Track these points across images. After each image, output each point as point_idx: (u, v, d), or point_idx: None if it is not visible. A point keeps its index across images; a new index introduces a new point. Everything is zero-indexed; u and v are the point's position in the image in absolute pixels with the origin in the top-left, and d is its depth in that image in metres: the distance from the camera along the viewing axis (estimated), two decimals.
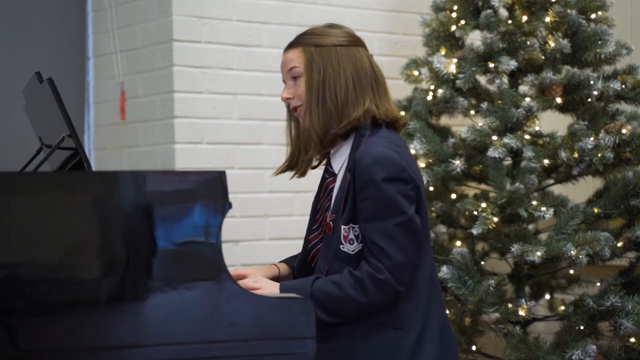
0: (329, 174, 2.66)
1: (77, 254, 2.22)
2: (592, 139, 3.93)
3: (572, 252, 3.76)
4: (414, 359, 2.51)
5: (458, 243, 4.16)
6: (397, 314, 2.51)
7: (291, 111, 2.67)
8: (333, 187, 2.62)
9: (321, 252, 2.59)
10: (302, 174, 2.70)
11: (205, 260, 2.28)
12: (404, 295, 2.50)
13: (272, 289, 2.53)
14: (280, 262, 2.78)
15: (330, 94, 2.56)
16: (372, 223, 2.47)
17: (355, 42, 2.63)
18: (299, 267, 2.72)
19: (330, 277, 2.50)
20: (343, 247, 2.53)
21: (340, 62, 2.58)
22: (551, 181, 4.27)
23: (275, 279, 2.70)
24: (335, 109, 2.56)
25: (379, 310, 2.50)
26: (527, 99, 4.08)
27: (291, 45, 2.64)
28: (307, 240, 2.69)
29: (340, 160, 2.62)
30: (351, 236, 2.53)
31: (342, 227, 2.53)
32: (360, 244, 2.51)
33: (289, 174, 2.71)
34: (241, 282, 2.46)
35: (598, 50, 4.08)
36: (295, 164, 2.68)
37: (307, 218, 2.73)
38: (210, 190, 2.28)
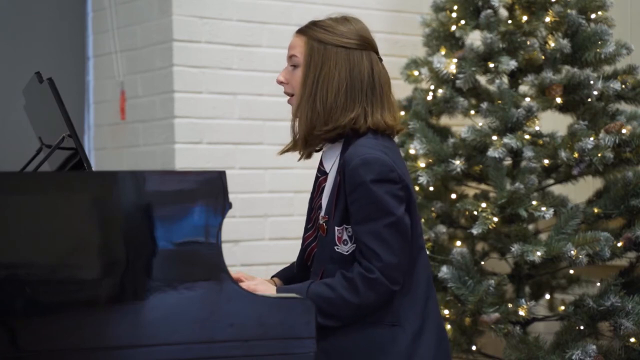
0: (321, 173, 2.67)
1: (77, 254, 2.22)
2: (592, 139, 3.92)
3: (572, 252, 3.76)
4: (412, 355, 2.52)
5: (458, 243, 4.16)
6: (393, 310, 2.52)
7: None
8: (325, 187, 2.63)
9: (316, 255, 2.60)
10: (307, 156, 2.68)
11: (205, 260, 2.28)
12: (400, 292, 2.51)
13: (270, 292, 2.53)
14: (274, 276, 2.79)
15: (321, 94, 2.56)
16: (362, 225, 2.48)
17: (363, 45, 2.60)
18: (298, 267, 2.72)
19: (323, 280, 2.51)
20: (337, 248, 2.53)
21: (337, 64, 2.56)
22: (551, 181, 4.27)
23: None
24: (323, 110, 2.56)
25: (374, 310, 2.51)
26: (527, 99, 4.08)
27: (300, 32, 2.64)
28: (304, 238, 2.70)
29: (331, 160, 2.63)
30: (345, 237, 2.54)
31: (336, 228, 2.53)
32: (354, 244, 2.52)
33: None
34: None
35: (598, 50, 4.08)
36: (296, 147, 2.67)
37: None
38: (210, 190, 2.28)
